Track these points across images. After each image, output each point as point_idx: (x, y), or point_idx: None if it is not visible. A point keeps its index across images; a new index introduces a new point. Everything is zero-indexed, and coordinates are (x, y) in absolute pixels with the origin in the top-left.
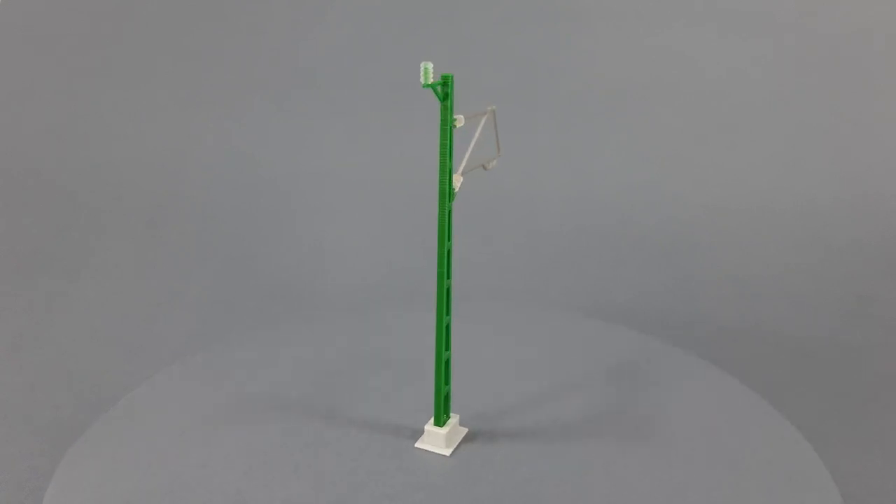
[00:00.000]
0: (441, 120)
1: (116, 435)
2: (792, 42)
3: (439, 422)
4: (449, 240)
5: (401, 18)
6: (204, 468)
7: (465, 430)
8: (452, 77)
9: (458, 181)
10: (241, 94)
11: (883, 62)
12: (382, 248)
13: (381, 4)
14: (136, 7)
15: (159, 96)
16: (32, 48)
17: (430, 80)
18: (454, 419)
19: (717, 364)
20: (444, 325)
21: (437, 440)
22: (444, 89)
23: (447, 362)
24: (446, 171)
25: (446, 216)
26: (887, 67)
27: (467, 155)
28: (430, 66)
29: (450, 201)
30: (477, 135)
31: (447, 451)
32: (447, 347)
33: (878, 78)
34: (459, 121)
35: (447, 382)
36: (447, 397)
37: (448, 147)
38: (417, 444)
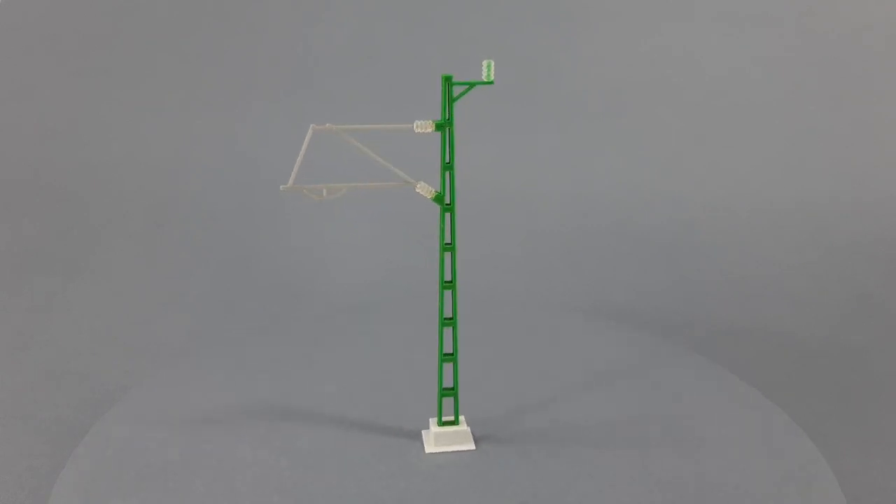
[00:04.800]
0: (448, 119)
1: (118, 435)
2: (792, 42)
3: (456, 421)
4: (449, 241)
5: (401, 18)
6: (205, 469)
7: (469, 431)
8: (452, 77)
9: (426, 190)
10: (241, 94)
11: (883, 62)
12: (382, 247)
13: (382, 4)
14: (135, 7)
15: (159, 96)
16: (32, 48)
17: (493, 77)
18: (461, 420)
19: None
20: (443, 326)
21: (442, 440)
22: (448, 90)
23: (445, 362)
24: (452, 168)
25: (445, 215)
26: (887, 67)
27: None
28: (493, 62)
29: (451, 203)
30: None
31: (453, 450)
32: (446, 347)
33: (878, 78)
34: (421, 126)
35: (449, 383)
36: (455, 399)
37: (451, 145)
38: (427, 449)
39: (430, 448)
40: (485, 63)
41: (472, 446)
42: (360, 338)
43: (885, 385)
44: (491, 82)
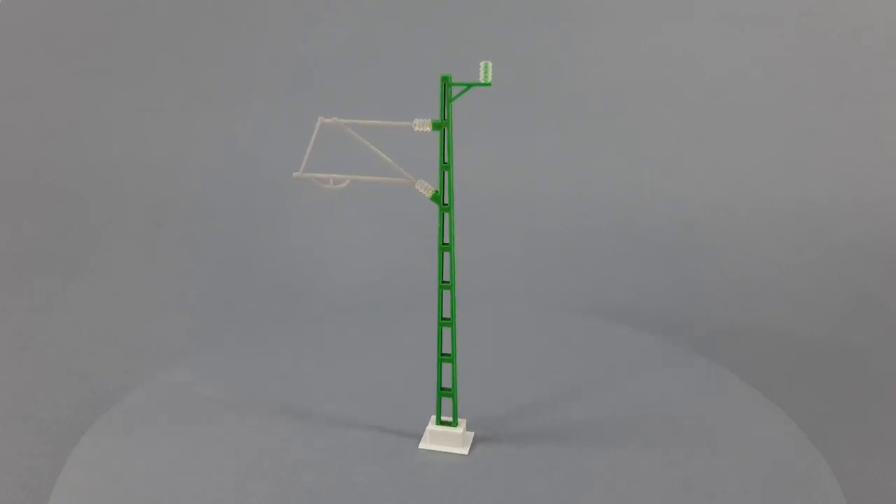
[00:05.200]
0: (446, 119)
1: (118, 435)
2: (792, 42)
3: (454, 422)
4: (445, 241)
5: (401, 18)
6: (204, 468)
7: (471, 434)
8: (451, 77)
9: (426, 188)
10: (241, 94)
11: (883, 62)
12: (383, 247)
13: (382, 4)
14: (135, 7)
15: (159, 96)
16: (32, 48)
17: (491, 78)
18: (461, 423)
19: (717, 364)
20: (441, 327)
21: (440, 439)
22: (446, 90)
23: (442, 363)
24: (450, 170)
25: (443, 216)
26: (887, 67)
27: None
28: (490, 63)
29: (449, 203)
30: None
31: (451, 451)
32: (444, 349)
33: (878, 78)
34: (420, 125)
35: (451, 385)
36: (453, 399)
37: (449, 147)
38: (421, 445)
39: (424, 445)
40: (482, 64)
41: (465, 449)
42: (361, 338)
43: (885, 385)
44: (488, 84)
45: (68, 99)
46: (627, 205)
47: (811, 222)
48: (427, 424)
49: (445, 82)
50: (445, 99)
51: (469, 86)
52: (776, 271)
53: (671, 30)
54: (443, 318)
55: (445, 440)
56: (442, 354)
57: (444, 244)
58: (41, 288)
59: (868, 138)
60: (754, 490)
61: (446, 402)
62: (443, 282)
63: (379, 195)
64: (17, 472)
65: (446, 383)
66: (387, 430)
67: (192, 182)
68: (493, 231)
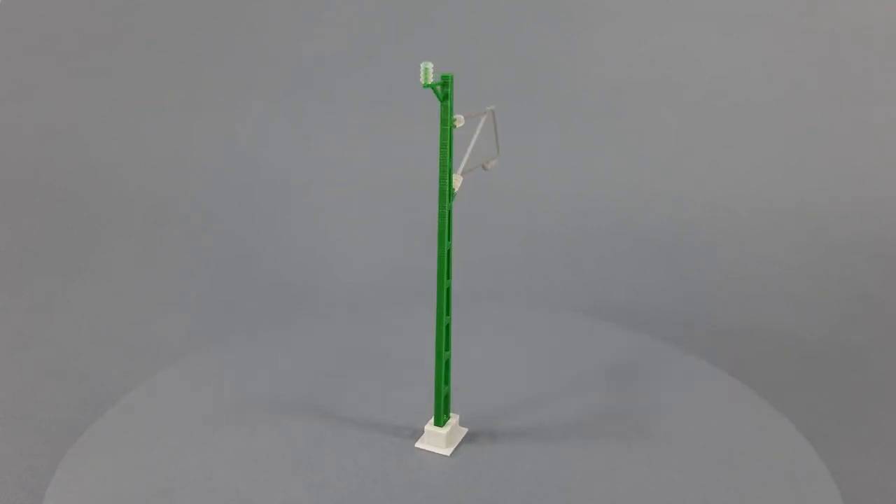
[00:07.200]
0: (441, 120)
1: (116, 435)
2: (792, 42)
3: (439, 422)
4: (449, 240)
5: (401, 18)
6: (203, 468)
7: (464, 430)
8: (452, 77)
9: (457, 181)
10: (241, 94)
11: (883, 62)
12: (384, 247)
13: (382, 4)
14: (135, 7)
15: (159, 96)
16: (32, 48)
17: (430, 80)
18: (454, 419)
19: (716, 364)
20: (444, 326)
21: (437, 440)
22: (443, 89)
23: (447, 362)
24: (446, 171)
25: (446, 216)
26: (887, 67)
27: (467, 155)
28: (430, 65)
29: (450, 201)
30: (477, 135)
31: (447, 451)
32: (447, 347)
33: (878, 78)
34: (459, 121)
35: (447, 382)
36: (447, 397)
37: (448, 147)
38: (418, 444)
39: (421, 444)
40: (422, 66)
41: (452, 448)
42: (361, 337)
43: (885, 385)
44: (426, 86)
45: (68, 99)
46: (627, 205)
47: (811, 222)
48: (425, 423)
49: (446, 81)
50: (448, 97)
51: (432, 86)
52: (776, 271)
53: (671, 30)
54: (440, 318)
55: (440, 439)
56: (440, 353)
57: (443, 243)
58: (41, 288)
59: (868, 138)
60: (753, 490)
61: (439, 402)
62: (441, 281)
63: (381, 195)
64: (17, 472)
65: (444, 382)
66: (383, 429)
67: (192, 182)
68: (493, 231)
